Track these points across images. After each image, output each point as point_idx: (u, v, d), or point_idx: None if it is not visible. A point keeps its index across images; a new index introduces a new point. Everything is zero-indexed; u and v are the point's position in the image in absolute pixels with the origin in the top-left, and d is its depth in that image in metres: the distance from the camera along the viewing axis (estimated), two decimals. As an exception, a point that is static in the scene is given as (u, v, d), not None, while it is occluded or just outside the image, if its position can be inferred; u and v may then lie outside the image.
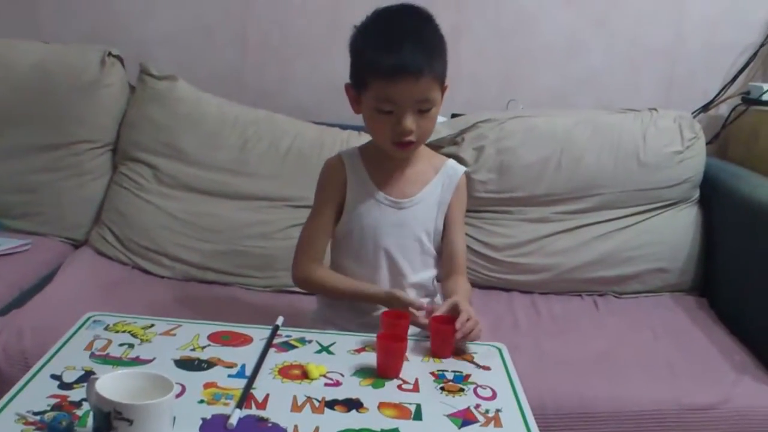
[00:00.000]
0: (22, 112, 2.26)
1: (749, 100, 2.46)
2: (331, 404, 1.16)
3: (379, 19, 1.49)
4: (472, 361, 1.35)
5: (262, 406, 1.14)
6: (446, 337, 1.37)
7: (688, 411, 1.64)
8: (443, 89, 1.50)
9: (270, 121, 2.29)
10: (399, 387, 1.23)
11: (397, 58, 1.40)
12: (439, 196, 1.58)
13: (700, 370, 1.77)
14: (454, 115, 2.35)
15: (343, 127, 2.30)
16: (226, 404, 1.13)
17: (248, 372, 1.24)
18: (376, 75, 1.43)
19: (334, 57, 2.51)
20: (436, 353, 1.36)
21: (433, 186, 1.58)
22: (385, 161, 1.56)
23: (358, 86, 1.50)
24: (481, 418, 1.16)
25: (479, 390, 1.25)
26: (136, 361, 1.25)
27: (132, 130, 2.29)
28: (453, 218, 1.60)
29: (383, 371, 1.27)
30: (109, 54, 2.32)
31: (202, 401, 1.14)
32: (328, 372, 1.26)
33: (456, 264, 1.61)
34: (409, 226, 1.56)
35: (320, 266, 1.58)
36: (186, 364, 1.26)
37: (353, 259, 1.58)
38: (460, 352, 1.38)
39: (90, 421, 1.02)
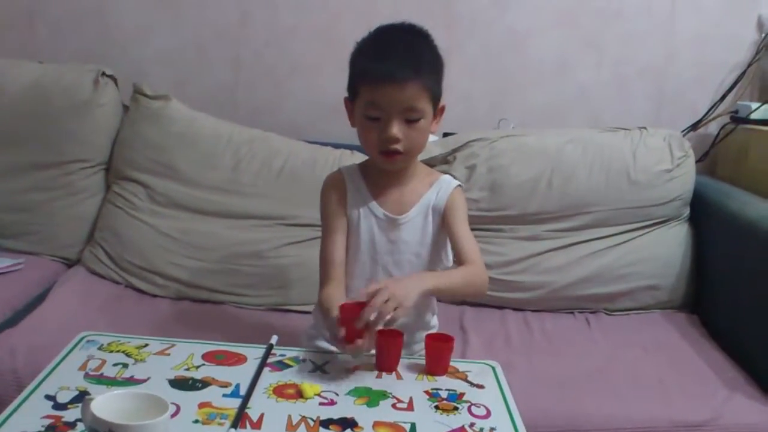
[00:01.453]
0: (15, 132, 2.26)
1: (738, 118, 2.48)
2: (326, 423, 1.16)
3: (376, 33, 1.53)
4: (465, 380, 1.36)
5: (257, 425, 1.14)
6: (441, 354, 1.38)
7: (680, 428, 1.64)
8: (438, 108, 1.52)
9: (263, 140, 2.30)
10: (393, 406, 1.24)
11: (383, 65, 1.44)
12: (432, 204, 1.58)
13: (691, 387, 1.78)
14: (445, 134, 2.37)
15: (336, 146, 2.31)
16: (221, 424, 1.13)
17: (243, 391, 1.24)
18: (364, 82, 1.47)
19: (327, 76, 2.53)
20: (430, 371, 1.37)
21: (427, 198, 1.59)
22: (383, 177, 1.58)
23: (351, 96, 1.53)
24: (475, 436, 1.17)
25: (473, 408, 1.25)
26: (131, 381, 1.26)
27: (125, 150, 2.29)
28: (451, 218, 1.57)
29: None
30: (103, 74, 2.33)
31: (196, 421, 1.14)
32: (322, 391, 1.26)
33: (462, 256, 1.54)
34: (406, 242, 1.57)
35: (332, 289, 1.51)
36: (180, 383, 1.26)
37: (348, 274, 1.58)
38: (453, 370, 1.39)
39: (85, 441, 1.02)
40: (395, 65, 1.43)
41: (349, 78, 1.54)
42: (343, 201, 1.57)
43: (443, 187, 1.60)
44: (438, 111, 1.53)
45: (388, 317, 1.29)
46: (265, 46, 2.56)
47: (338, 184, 1.59)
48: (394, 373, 1.36)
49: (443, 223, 1.58)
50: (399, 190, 1.58)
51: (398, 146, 1.47)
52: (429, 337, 1.41)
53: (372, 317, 1.28)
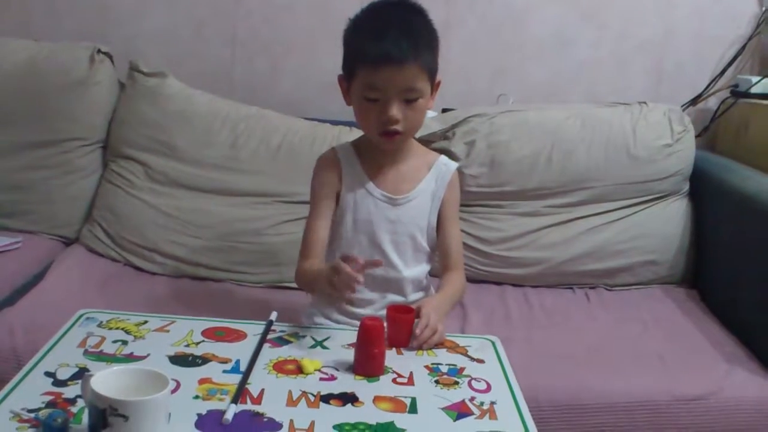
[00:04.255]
0: (11, 110, 2.25)
1: (738, 92, 2.46)
2: (327, 398, 1.16)
3: (370, 10, 1.51)
4: (466, 354, 1.36)
5: (257, 401, 1.14)
6: (402, 327, 1.37)
7: (679, 402, 1.65)
8: (435, 84, 1.51)
9: (261, 117, 2.29)
10: (394, 381, 1.24)
11: (381, 46, 1.42)
12: (433, 192, 1.59)
13: (691, 361, 1.78)
14: (444, 110, 2.36)
15: (334, 123, 2.30)
16: (221, 399, 1.13)
17: (243, 367, 1.24)
18: (362, 63, 1.45)
19: (324, 53, 2.51)
20: (392, 343, 1.36)
21: (427, 182, 1.59)
22: (379, 156, 1.57)
23: (348, 76, 1.51)
24: (476, 410, 1.17)
25: (474, 383, 1.25)
26: (130, 358, 1.25)
27: (122, 128, 2.28)
28: (447, 214, 1.61)
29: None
30: (99, 51, 2.31)
31: (197, 397, 1.14)
32: (322, 367, 1.26)
33: (451, 260, 1.62)
34: (403, 222, 1.57)
35: (311, 260, 1.53)
36: (180, 360, 1.26)
37: (345, 253, 1.58)
38: (453, 345, 1.39)
39: (85, 417, 1.02)
40: (393, 46, 1.41)
41: (344, 57, 1.52)
42: (337, 182, 1.56)
43: (442, 171, 1.61)
44: (434, 87, 1.52)
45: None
46: (262, 22, 2.54)
47: (333, 164, 1.57)
48: (394, 348, 1.35)
49: (439, 213, 1.59)
50: (396, 169, 1.58)
51: (398, 126, 1.47)
52: (390, 308, 1.40)
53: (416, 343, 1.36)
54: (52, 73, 2.27)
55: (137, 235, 2.15)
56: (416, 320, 1.39)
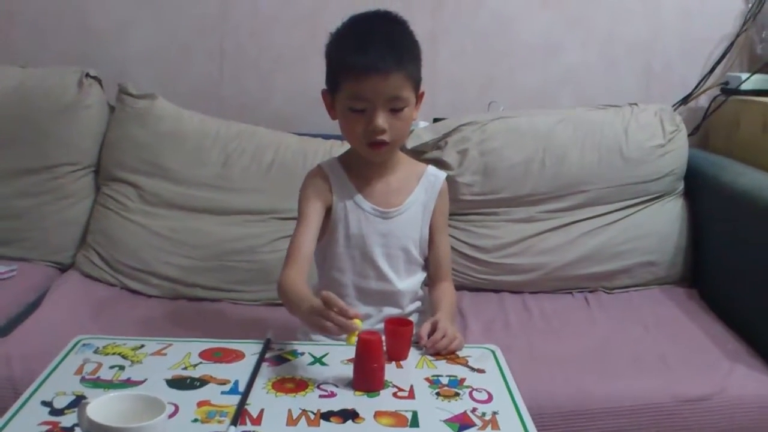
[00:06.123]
0: (1, 137, 2.24)
1: (728, 90, 2.47)
2: (327, 416, 1.15)
3: (352, 23, 1.52)
4: (466, 365, 1.35)
5: (257, 421, 1.13)
6: (401, 340, 1.36)
7: (683, 403, 1.64)
8: (419, 94, 1.52)
9: (251, 134, 2.28)
10: (394, 395, 1.23)
11: (366, 56, 1.42)
12: (423, 204, 1.59)
13: (693, 361, 1.77)
14: (435, 120, 2.35)
15: (326, 137, 2.29)
16: (220, 422, 1.12)
17: (241, 388, 1.23)
18: (347, 74, 1.45)
19: (312, 67, 2.48)
20: (391, 356, 1.35)
21: (417, 194, 1.59)
22: (366, 169, 1.56)
23: (332, 89, 1.51)
24: (478, 421, 1.16)
25: (475, 393, 1.24)
26: (128, 383, 1.24)
27: (113, 151, 2.27)
28: (437, 224, 1.61)
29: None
30: (87, 75, 2.30)
31: (196, 420, 1.13)
32: (322, 383, 1.25)
33: (442, 271, 1.63)
34: (396, 236, 1.57)
35: (294, 273, 1.49)
36: (178, 383, 1.25)
37: (338, 269, 1.58)
38: (453, 356, 1.38)
39: (83, 446, 1.01)
40: (378, 56, 1.42)
41: (328, 70, 1.53)
42: (328, 197, 1.55)
43: (431, 181, 1.61)
44: (418, 97, 1.52)
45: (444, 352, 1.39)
46: (249, 37, 2.54)
47: (322, 179, 1.57)
48: (393, 362, 1.34)
49: (430, 223, 1.60)
50: (384, 182, 1.58)
51: (384, 137, 1.47)
52: (388, 321, 1.39)
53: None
54: (41, 98, 2.26)
55: (132, 258, 2.14)
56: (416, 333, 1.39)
